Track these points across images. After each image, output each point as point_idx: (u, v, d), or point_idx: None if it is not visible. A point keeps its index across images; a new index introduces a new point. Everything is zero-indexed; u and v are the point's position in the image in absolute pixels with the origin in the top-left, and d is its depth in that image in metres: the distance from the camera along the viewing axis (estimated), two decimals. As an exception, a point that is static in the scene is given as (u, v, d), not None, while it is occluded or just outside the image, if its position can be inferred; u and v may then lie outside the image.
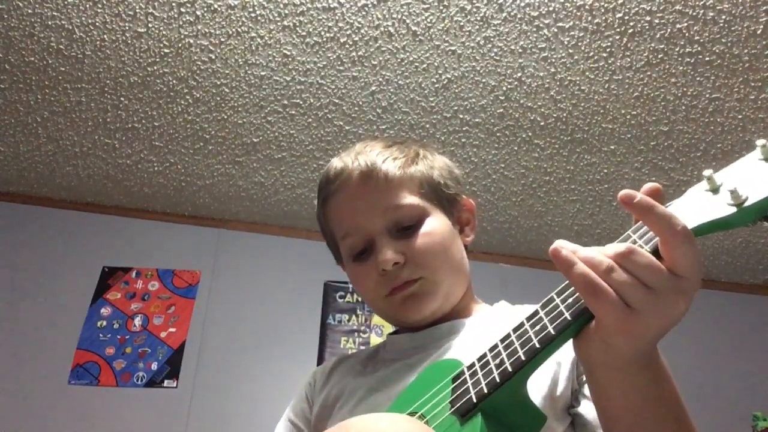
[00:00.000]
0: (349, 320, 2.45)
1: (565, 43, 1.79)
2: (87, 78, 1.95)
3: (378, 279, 0.74)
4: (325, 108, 2.04)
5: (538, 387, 0.63)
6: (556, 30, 1.76)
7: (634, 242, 0.48)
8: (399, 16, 1.74)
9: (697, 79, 1.88)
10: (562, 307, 0.48)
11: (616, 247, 0.45)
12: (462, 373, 0.54)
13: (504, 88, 1.95)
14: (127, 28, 1.79)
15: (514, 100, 1.98)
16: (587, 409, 0.63)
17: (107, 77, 1.95)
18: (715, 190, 0.47)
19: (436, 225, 0.77)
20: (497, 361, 0.50)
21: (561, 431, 0.63)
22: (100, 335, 2.26)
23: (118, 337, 2.26)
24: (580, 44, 1.80)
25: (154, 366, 2.22)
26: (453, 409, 0.51)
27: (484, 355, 0.53)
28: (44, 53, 1.87)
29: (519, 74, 1.90)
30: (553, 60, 1.84)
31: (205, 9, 1.73)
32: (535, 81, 1.92)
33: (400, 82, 1.94)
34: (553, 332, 0.47)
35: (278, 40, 1.81)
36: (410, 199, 0.76)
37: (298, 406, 0.84)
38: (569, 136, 2.12)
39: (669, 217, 0.44)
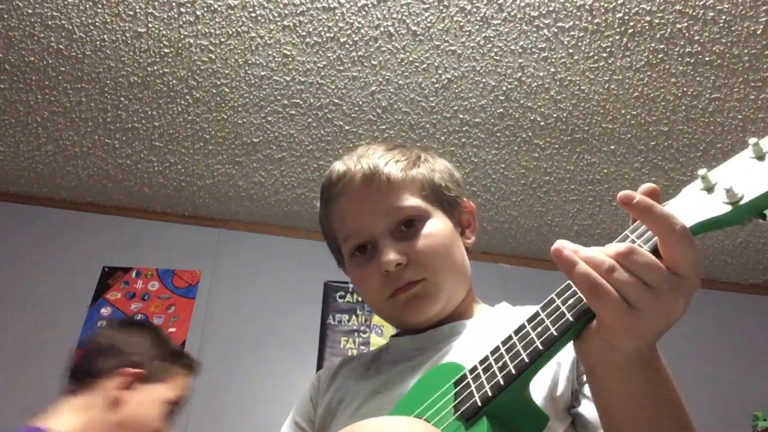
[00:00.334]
0: (349, 320, 2.44)
1: (565, 43, 1.79)
2: (87, 78, 1.95)
3: (381, 280, 0.75)
4: (325, 108, 2.04)
5: (538, 388, 0.63)
6: (556, 30, 1.76)
7: (633, 242, 0.48)
8: (399, 16, 1.74)
9: (697, 79, 1.89)
10: (563, 308, 0.48)
11: (617, 246, 0.46)
12: (464, 377, 0.53)
13: (504, 88, 1.95)
14: (127, 28, 1.79)
15: (514, 100, 1.98)
16: (588, 409, 0.63)
17: (107, 77, 1.95)
18: (709, 189, 0.48)
19: (437, 227, 0.77)
20: (500, 364, 0.50)
21: (562, 431, 0.63)
22: (100, 335, 2.26)
23: (118, 337, 2.26)
24: (580, 44, 1.80)
25: (154, 366, 2.22)
26: (457, 414, 0.50)
27: (486, 359, 0.52)
28: (44, 53, 1.87)
29: (519, 74, 1.90)
30: (553, 60, 1.85)
31: (205, 9, 1.73)
32: (535, 81, 1.92)
33: (400, 82, 1.94)
34: (555, 334, 0.47)
35: (278, 40, 1.81)
36: (412, 201, 0.77)
37: (303, 408, 0.84)
38: (569, 136, 2.12)
39: (668, 216, 0.45)
